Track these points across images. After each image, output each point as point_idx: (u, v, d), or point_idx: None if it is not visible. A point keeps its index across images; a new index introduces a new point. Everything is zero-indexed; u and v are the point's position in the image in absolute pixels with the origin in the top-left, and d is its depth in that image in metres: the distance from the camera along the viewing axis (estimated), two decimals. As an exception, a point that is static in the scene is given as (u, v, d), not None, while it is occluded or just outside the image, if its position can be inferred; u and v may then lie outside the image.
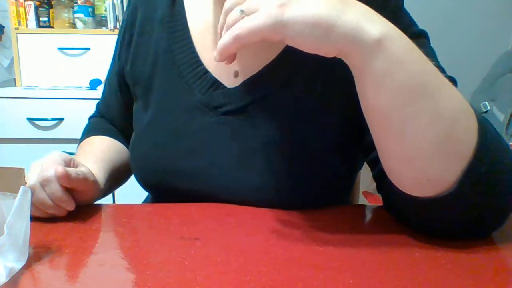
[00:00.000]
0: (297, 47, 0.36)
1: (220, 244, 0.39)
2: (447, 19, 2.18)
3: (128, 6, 0.62)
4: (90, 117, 0.72)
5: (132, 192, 0.73)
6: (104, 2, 1.90)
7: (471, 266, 0.36)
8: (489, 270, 0.35)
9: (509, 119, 1.70)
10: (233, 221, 0.46)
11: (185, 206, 0.50)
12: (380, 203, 0.52)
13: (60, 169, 0.43)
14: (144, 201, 0.65)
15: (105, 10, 1.90)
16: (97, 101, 0.73)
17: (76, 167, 0.48)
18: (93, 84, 1.80)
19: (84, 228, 0.43)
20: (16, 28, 1.86)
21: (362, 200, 2.05)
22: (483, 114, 1.94)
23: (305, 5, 0.34)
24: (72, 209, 0.46)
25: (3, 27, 2.02)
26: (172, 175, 0.52)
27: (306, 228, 0.43)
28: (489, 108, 1.85)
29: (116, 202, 0.59)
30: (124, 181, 0.67)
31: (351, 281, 0.33)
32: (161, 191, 0.56)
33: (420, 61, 0.36)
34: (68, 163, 0.47)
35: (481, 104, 1.88)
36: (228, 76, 0.52)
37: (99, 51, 1.83)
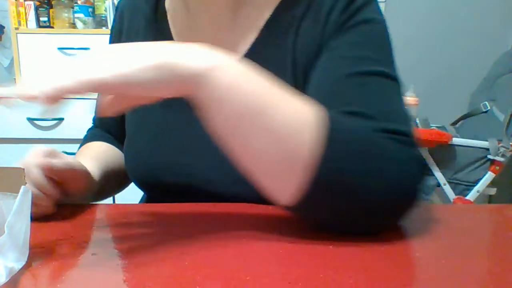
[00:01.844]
0: (135, 94, 0.37)
1: (220, 244, 0.39)
2: (447, 19, 2.18)
3: (115, 12, 0.64)
4: (88, 130, 0.73)
5: (131, 192, 0.73)
6: (104, 2, 1.90)
7: (471, 266, 0.36)
8: (489, 270, 0.35)
9: (509, 119, 1.70)
10: (232, 221, 0.46)
11: (185, 206, 0.50)
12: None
13: (42, 156, 0.44)
14: (140, 201, 0.65)
15: (105, 10, 1.90)
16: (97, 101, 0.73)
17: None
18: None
19: (84, 228, 0.43)
20: (16, 28, 1.86)
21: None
22: (483, 114, 1.92)
23: (128, 55, 0.35)
24: (56, 197, 0.45)
25: (3, 27, 2.02)
26: (162, 171, 0.53)
27: (306, 228, 0.43)
28: (489, 108, 1.85)
29: (116, 202, 0.59)
30: (123, 184, 0.68)
31: (351, 281, 0.33)
32: (153, 188, 0.57)
33: (253, 85, 0.37)
34: (52, 154, 0.47)
35: (481, 104, 1.88)
36: None
37: (99, 51, 1.83)
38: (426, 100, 1.92)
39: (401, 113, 0.43)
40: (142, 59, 0.35)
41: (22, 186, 0.34)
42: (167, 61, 0.35)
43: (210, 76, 0.36)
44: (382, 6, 2.33)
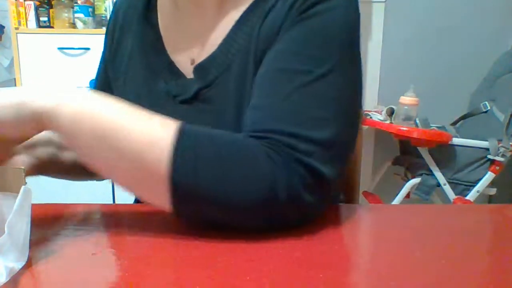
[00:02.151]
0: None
1: (220, 244, 0.39)
2: (447, 19, 2.18)
3: (111, 13, 0.67)
4: None
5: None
6: (104, 2, 1.90)
7: (472, 266, 0.36)
8: (489, 270, 0.35)
9: (509, 119, 1.70)
10: (233, 221, 0.46)
11: (185, 206, 0.50)
12: (380, 203, 0.52)
13: None
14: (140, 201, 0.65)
15: (105, 10, 1.90)
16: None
17: None
18: (93, 84, 1.80)
19: (84, 228, 0.43)
20: (16, 28, 1.86)
21: (362, 200, 2.05)
22: (483, 114, 1.92)
23: None
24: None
25: (3, 27, 2.02)
26: None
27: (306, 228, 0.43)
28: (489, 108, 1.85)
29: (116, 202, 0.59)
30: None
31: (351, 281, 0.33)
32: None
33: (99, 115, 0.39)
34: None
35: (481, 104, 1.88)
36: (186, 65, 0.56)
37: (99, 51, 1.83)
38: (426, 100, 1.92)
39: (309, 116, 0.43)
40: (1, 99, 0.39)
41: (23, 186, 0.34)
42: (24, 100, 0.39)
43: (56, 113, 0.39)
44: (382, 6, 2.33)
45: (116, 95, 0.62)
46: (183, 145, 0.39)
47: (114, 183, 0.41)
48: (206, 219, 0.42)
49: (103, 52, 0.69)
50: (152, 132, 0.39)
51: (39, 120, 0.39)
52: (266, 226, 0.41)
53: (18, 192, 0.34)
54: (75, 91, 0.41)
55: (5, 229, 0.32)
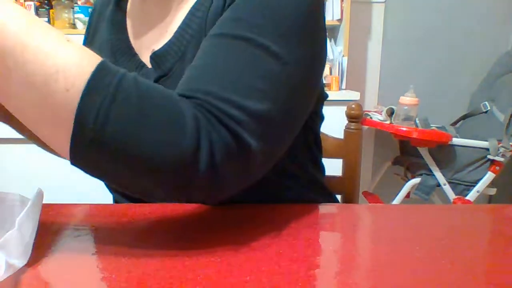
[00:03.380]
0: None
1: (220, 244, 0.39)
2: (447, 19, 2.18)
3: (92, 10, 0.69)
4: None
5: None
6: (104, 2, 1.90)
7: (472, 266, 0.36)
8: (489, 270, 0.35)
9: (509, 119, 1.70)
10: (232, 221, 0.46)
11: (184, 206, 0.50)
12: (380, 203, 0.52)
13: None
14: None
15: (105, 10, 1.90)
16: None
17: None
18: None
19: (84, 228, 0.43)
20: (16, 28, 1.86)
21: (362, 200, 2.05)
22: (483, 114, 1.93)
23: None
24: None
25: (3, 27, 2.02)
26: None
27: (306, 228, 0.43)
28: (489, 108, 1.85)
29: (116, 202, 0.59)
30: None
31: (351, 281, 0.33)
32: None
33: (17, 28, 0.32)
34: None
35: (481, 104, 1.88)
36: (148, 55, 0.55)
37: (99, 51, 1.84)
38: (426, 100, 1.92)
39: (246, 85, 0.39)
40: None
41: (37, 188, 0.34)
42: None
43: None
44: (382, 6, 2.33)
45: None
46: (101, 81, 0.33)
47: (16, 115, 0.34)
48: (109, 177, 0.37)
49: (83, 41, 0.69)
50: (67, 57, 0.33)
51: None
52: (175, 196, 0.37)
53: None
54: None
55: (15, 224, 0.32)
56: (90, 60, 0.34)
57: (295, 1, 0.43)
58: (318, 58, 0.47)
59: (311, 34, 0.45)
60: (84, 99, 0.32)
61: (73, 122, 0.32)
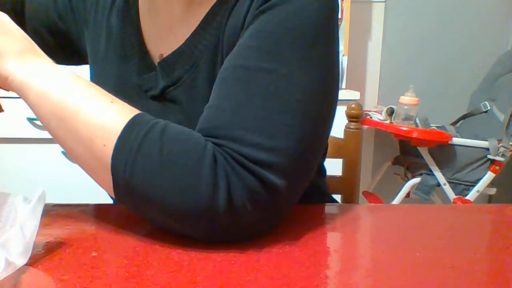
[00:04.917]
0: None
1: (220, 244, 0.39)
2: (447, 19, 2.18)
3: None
4: None
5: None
6: (104, 2, 1.89)
7: (472, 266, 0.36)
8: (489, 270, 0.35)
9: (509, 119, 1.70)
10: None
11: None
12: (380, 203, 0.52)
13: None
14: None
15: (105, 10, 1.90)
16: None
17: None
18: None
19: (84, 228, 0.43)
20: (16, 28, 1.85)
21: (362, 200, 2.05)
22: (483, 114, 1.92)
23: None
24: None
25: (3, 27, 2.02)
26: None
27: (306, 228, 0.43)
28: (489, 108, 1.85)
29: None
30: None
31: (351, 281, 0.33)
32: None
33: (60, 93, 0.40)
34: None
35: (481, 104, 1.88)
36: (157, 58, 0.54)
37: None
38: (426, 100, 1.92)
39: (272, 122, 0.39)
40: None
41: (40, 188, 0.35)
42: None
43: (22, 88, 0.40)
44: (382, 6, 2.33)
45: (93, 71, 0.62)
46: (129, 136, 0.37)
47: (72, 158, 0.42)
48: (146, 217, 0.42)
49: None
50: (106, 117, 0.39)
51: (4, 80, 0.41)
52: (208, 236, 0.39)
53: None
54: (43, 64, 0.42)
55: (17, 224, 0.32)
56: (126, 117, 0.39)
57: (307, 21, 0.43)
58: (337, 80, 0.46)
59: (328, 50, 0.44)
60: (115, 153, 0.37)
61: (110, 173, 0.38)
